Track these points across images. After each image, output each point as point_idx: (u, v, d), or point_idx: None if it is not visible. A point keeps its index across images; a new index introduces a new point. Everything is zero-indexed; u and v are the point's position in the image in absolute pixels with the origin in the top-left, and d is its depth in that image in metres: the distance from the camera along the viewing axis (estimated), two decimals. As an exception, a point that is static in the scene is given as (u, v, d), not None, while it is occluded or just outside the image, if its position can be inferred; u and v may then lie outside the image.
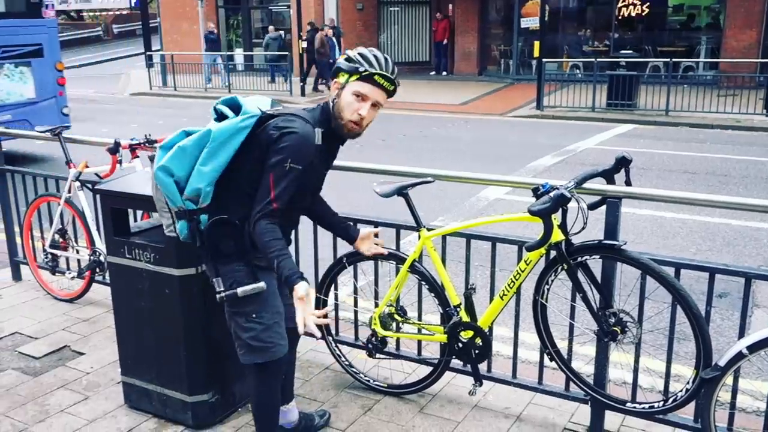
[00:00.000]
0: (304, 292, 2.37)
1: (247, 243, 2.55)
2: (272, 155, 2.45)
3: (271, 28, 22.51)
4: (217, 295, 2.58)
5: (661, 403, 2.85)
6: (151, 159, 3.74)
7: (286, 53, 20.32)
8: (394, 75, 2.58)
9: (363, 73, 2.53)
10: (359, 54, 2.58)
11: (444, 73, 22.05)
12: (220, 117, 2.60)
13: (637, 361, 3.02)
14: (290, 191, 2.46)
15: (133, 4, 29.79)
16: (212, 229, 2.54)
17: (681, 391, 2.77)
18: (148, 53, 22.79)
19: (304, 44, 19.02)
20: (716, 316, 4.43)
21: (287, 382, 3.09)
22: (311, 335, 2.46)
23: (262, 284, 2.56)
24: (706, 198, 3.12)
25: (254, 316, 2.60)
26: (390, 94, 2.61)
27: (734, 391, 2.84)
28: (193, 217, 2.56)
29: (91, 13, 43.08)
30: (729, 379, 2.69)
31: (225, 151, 2.49)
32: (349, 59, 2.58)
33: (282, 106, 2.66)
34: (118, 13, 40.58)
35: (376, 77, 2.53)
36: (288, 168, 2.43)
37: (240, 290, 2.54)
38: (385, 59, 2.59)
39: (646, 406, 2.89)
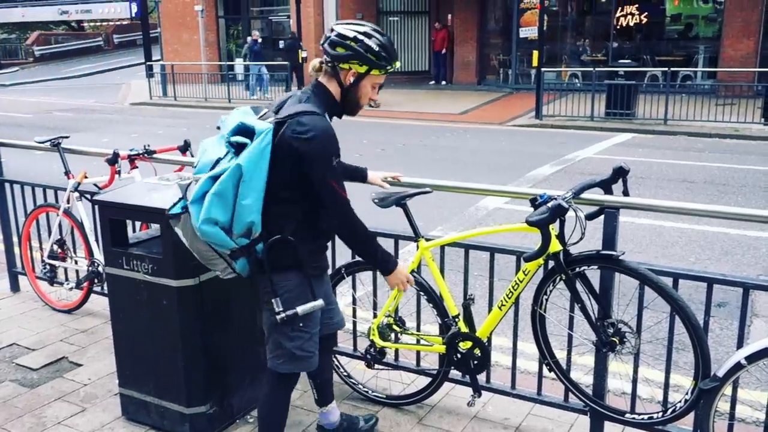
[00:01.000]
0: (405, 273, 2.81)
1: (302, 254, 2.56)
2: (314, 164, 2.45)
3: (250, 38, 22.83)
4: (277, 317, 2.54)
5: (661, 413, 2.84)
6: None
7: (286, 62, 20.40)
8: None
9: (389, 71, 2.59)
10: (381, 47, 2.53)
11: (443, 82, 22.11)
12: (237, 149, 2.48)
13: (636, 372, 3.02)
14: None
15: (133, 15, 29.89)
16: (271, 251, 2.53)
17: (680, 401, 2.76)
18: (148, 63, 22.87)
19: (305, 53, 19.08)
20: (715, 325, 4.42)
21: (327, 384, 3.13)
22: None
23: (320, 302, 2.59)
24: (704, 208, 3.12)
25: (301, 325, 2.61)
26: None
27: (733, 402, 2.83)
28: (250, 251, 2.55)
29: (92, 24, 43.27)
30: (728, 390, 2.68)
31: (259, 177, 2.43)
32: (369, 49, 2.51)
33: (265, 110, 2.64)
34: (118, 23, 40.75)
35: (391, 68, 2.60)
36: (335, 164, 2.49)
37: (300, 309, 2.55)
38: (391, 44, 2.59)
39: (645, 417, 2.88)
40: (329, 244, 2.89)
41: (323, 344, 2.85)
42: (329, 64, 2.56)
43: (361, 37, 2.51)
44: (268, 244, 2.52)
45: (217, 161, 2.51)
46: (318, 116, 2.47)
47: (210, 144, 2.62)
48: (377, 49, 2.52)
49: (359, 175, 3.18)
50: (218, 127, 2.62)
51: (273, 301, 2.56)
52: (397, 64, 2.62)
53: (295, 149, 2.43)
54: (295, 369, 2.69)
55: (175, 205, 2.67)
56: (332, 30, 2.57)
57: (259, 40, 21.71)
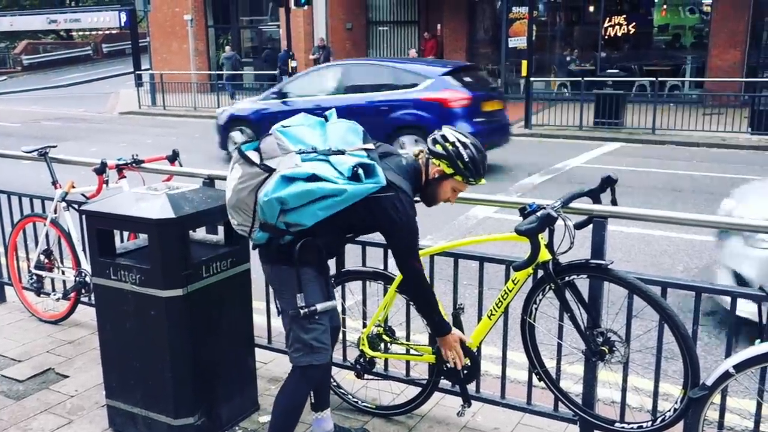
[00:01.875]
0: (458, 335, 2.97)
1: (324, 261, 2.79)
2: (402, 240, 2.75)
3: (227, 48, 23.06)
4: (301, 311, 2.69)
5: (650, 423, 2.84)
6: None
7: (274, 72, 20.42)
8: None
9: (470, 182, 2.78)
10: (470, 159, 2.73)
11: (433, 92, 22.15)
12: (354, 176, 2.57)
13: (625, 381, 3.02)
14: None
15: (122, 24, 29.81)
16: (302, 251, 2.66)
17: (669, 410, 2.76)
18: (137, 72, 22.82)
19: (294, 63, 19.11)
20: (704, 334, 4.44)
21: (324, 388, 3.15)
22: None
23: (334, 302, 2.84)
24: (692, 218, 3.15)
25: (317, 317, 2.74)
26: None
27: (722, 411, 2.84)
28: (279, 236, 2.65)
29: (81, 33, 43.15)
30: (717, 398, 2.69)
31: (345, 204, 2.57)
32: (464, 162, 2.72)
33: (375, 145, 2.78)
34: (107, 32, 40.65)
35: (474, 183, 2.79)
36: (414, 227, 2.75)
37: (320, 306, 2.72)
38: (483, 161, 2.78)
39: (635, 426, 2.88)
40: None
41: None
42: (426, 156, 2.82)
43: (458, 144, 2.74)
44: (302, 244, 2.64)
45: (314, 150, 2.60)
46: (409, 201, 2.72)
47: (305, 123, 2.75)
48: (467, 159, 2.74)
49: None
50: (324, 117, 2.81)
51: (298, 296, 2.68)
52: (483, 181, 2.80)
53: (387, 217, 2.66)
54: (313, 361, 2.75)
55: (248, 142, 2.75)
56: (440, 130, 2.83)
57: (232, 52, 22.67)
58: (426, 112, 10.08)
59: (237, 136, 11.66)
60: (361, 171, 2.56)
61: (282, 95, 11.65)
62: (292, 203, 2.52)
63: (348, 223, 2.76)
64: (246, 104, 12.61)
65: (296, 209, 2.54)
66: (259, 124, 11.12)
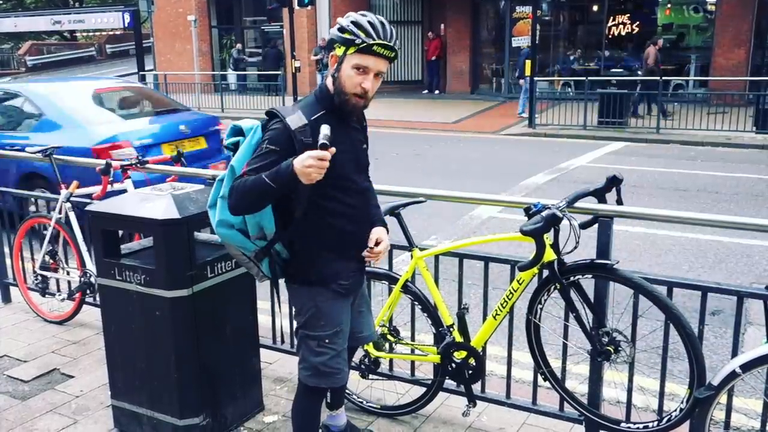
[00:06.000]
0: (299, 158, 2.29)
1: (330, 270, 2.56)
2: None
3: (238, 45, 23.39)
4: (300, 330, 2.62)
5: (656, 422, 2.83)
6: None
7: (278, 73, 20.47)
8: (393, 40, 2.41)
9: (360, 45, 2.36)
10: (353, 23, 2.38)
11: (436, 91, 22.17)
12: (235, 150, 2.56)
13: (631, 381, 3.01)
14: (264, 168, 2.35)
15: (126, 25, 29.82)
16: (290, 263, 2.57)
17: (675, 410, 2.76)
18: (141, 73, 22.82)
19: (297, 63, 19.13)
20: (709, 333, 4.42)
21: (340, 390, 3.11)
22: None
23: (338, 329, 2.61)
24: (697, 217, 3.13)
25: (327, 341, 2.59)
26: (392, 60, 2.44)
27: (728, 410, 2.83)
28: (269, 252, 2.55)
29: (85, 34, 43.24)
30: (723, 398, 2.68)
31: (246, 157, 2.47)
32: (342, 29, 2.39)
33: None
34: (111, 33, 40.72)
35: (375, 47, 2.36)
36: (264, 148, 2.40)
37: (315, 333, 2.57)
38: (382, 24, 2.40)
39: (641, 426, 2.87)
40: (352, 254, 2.63)
41: None
42: (326, 59, 2.54)
43: (342, 20, 2.42)
44: (293, 252, 2.55)
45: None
46: (290, 111, 2.44)
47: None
48: (347, 25, 2.38)
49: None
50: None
51: (298, 316, 2.63)
52: (378, 41, 2.35)
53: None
54: (321, 384, 2.66)
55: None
56: None
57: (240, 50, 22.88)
58: None
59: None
60: (232, 139, 2.57)
61: None
62: (231, 219, 2.49)
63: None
64: None
65: (244, 220, 2.51)
66: None
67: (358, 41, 2.35)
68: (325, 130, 2.28)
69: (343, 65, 2.41)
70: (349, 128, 2.57)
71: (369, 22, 2.38)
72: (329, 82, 2.49)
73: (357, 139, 2.61)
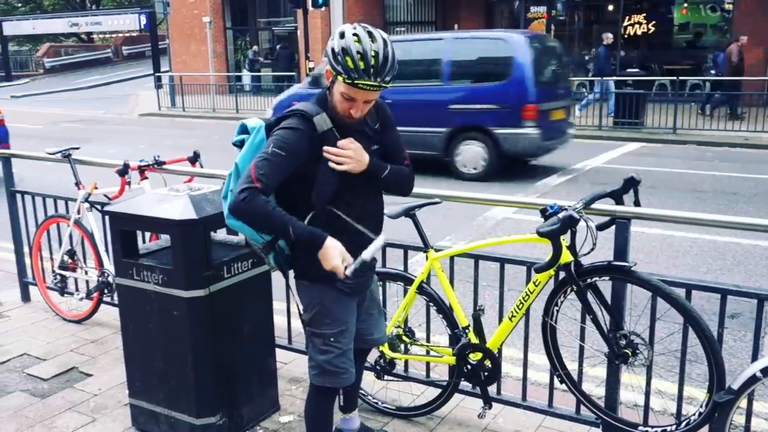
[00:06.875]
0: (334, 244, 2.35)
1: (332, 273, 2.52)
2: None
3: (255, 47, 23.39)
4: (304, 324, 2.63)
5: (674, 426, 2.81)
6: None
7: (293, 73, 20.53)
8: (384, 74, 2.29)
9: (346, 80, 2.29)
10: (343, 50, 2.26)
11: (450, 92, 22.10)
12: (242, 147, 2.61)
13: (648, 384, 2.99)
14: (273, 174, 2.34)
15: (142, 26, 30.10)
16: (295, 257, 2.58)
17: (694, 414, 2.73)
18: (157, 74, 23.03)
19: (311, 64, 19.18)
20: (728, 337, 4.38)
21: (353, 393, 3.12)
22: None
23: (341, 327, 2.60)
24: (717, 219, 3.10)
25: (332, 340, 2.60)
26: (383, 88, 2.35)
27: (749, 415, 2.80)
28: (274, 246, 2.59)
29: (101, 35, 43.62)
30: (743, 403, 2.65)
31: (250, 156, 2.50)
32: (334, 54, 2.28)
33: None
34: (127, 35, 41.06)
35: (360, 84, 2.29)
36: (270, 152, 2.35)
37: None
38: (375, 56, 2.26)
39: (659, 429, 2.85)
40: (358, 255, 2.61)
41: (355, 355, 2.78)
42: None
43: (335, 35, 2.31)
44: (292, 245, 2.56)
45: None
46: (299, 114, 2.40)
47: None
48: (338, 51, 2.27)
49: None
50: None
51: (303, 312, 2.65)
52: (362, 80, 2.25)
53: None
54: (327, 383, 2.66)
55: None
56: None
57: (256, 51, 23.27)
58: None
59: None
60: (240, 137, 2.60)
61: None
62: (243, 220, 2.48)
63: (297, 190, 2.46)
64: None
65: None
66: None
67: (343, 76, 2.28)
68: (365, 255, 2.37)
69: (335, 87, 2.38)
70: (354, 132, 2.51)
71: (360, 52, 2.25)
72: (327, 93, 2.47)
73: (362, 142, 2.52)
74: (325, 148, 2.41)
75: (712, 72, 16.16)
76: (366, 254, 2.39)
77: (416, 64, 9.98)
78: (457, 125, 9.69)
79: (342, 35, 2.31)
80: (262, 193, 2.33)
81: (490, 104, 9.47)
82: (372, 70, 2.27)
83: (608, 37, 16.09)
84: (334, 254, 2.33)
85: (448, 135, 9.73)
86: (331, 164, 2.41)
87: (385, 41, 2.32)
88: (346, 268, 2.34)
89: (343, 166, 2.41)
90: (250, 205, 2.31)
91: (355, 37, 2.29)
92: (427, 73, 10.03)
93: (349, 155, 2.42)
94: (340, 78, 2.30)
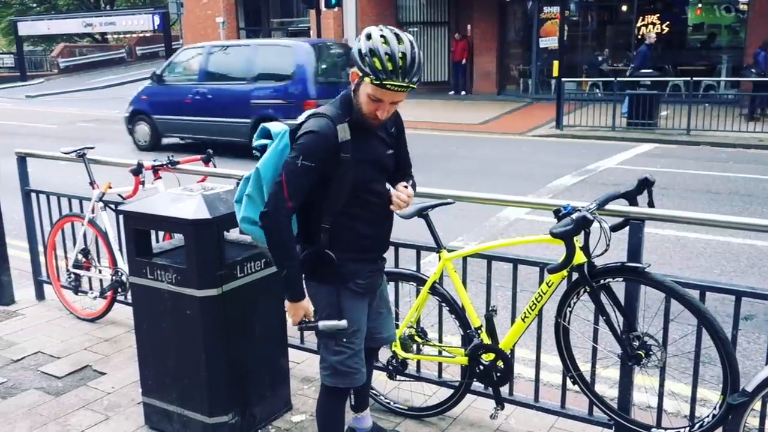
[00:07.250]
0: (306, 305, 2.55)
1: (348, 270, 2.56)
2: (290, 152, 2.44)
3: None
4: (298, 326, 2.59)
5: (687, 428, 2.79)
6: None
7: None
8: (411, 75, 2.33)
9: (374, 81, 2.32)
10: (371, 51, 2.28)
11: (463, 93, 22.10)
12: (262, 152, 2.59)
13: (662, 386, 2.97)
14: (303, 188, 2.41)
15: (156, 27, 30.27)
16: (307, 259, 2.56)
17: (708, 416, 2.72)
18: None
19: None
20: (742, 338, 4.34)
21: (363, 392, 3.12)
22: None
23: (343, 323, 2.55)
24: (732, 220, 3.09)
25: (344, 340, 2.61)
26: (411, 89, 2.39)
27: (762, 417, 2.78)
28: None
29: (115, 36, 43.90)
30: (757, 405, 2.64)
31: (272, 167, 2.51)
32: (361, 54, 2.31)
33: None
34: (141, 35, 41.31)
35: (389, 85, 2.31)
36: (299, 165, 2.37)
37: (321, 324, 2.54)
38: (402, 57, 2.29)
39: (672, 431, 2.83)
40: (376, 255, 2.71)
41: (366, 355, 2.79)
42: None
43: (363, 36, 2.33)
44: (304, 255, 2.55)
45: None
46: (323, 118, 2.42)
47: None
48: (366, 52, 2.29)
49: None
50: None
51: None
52: (392, 81, 2.28)
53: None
54: (339, 384, 2.67)
55: None
56: None
57: None
58: None
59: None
60: (261, 141, 2.59)
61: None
62: (255, 216, 2.52)
63: (314, 197, 2.49)
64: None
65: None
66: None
67: (371, 77, 2.30)
68: (340, 325, 2.52)
69: (360, 89, 2.40)
70: (372, 136, 2.55)
71: (387, 53, 2.28)
72: (350, 94, 2.48)
73: (379, 146, 2.57)
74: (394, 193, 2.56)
75: (753, 71, 15.26)
76: (343, 322, 2.55)
77: (230, 65, 12.63)
78: (257, 116, 11.44)
79: (369, 37, 2.32)
80: (293, 211, 2.44)
81: (280, 100, 11.60)
82: (400, 70, 2.30)
83: (651, 37, 15.79)
84: (299, 314, 2.53)
85: (252, 125, 11.43)
86: (392, 207, 2.57)
87: (411, 43, 2.35)
88: (318, 319, 2.55)
89: (401, 210, 2.60)
90: (280, 229, 2.42)
91: (383, 39, 2.31)
92: (238, 73, 12.34)
93: (408, 201, 2.59)
94: (367, 79, 2.32)
